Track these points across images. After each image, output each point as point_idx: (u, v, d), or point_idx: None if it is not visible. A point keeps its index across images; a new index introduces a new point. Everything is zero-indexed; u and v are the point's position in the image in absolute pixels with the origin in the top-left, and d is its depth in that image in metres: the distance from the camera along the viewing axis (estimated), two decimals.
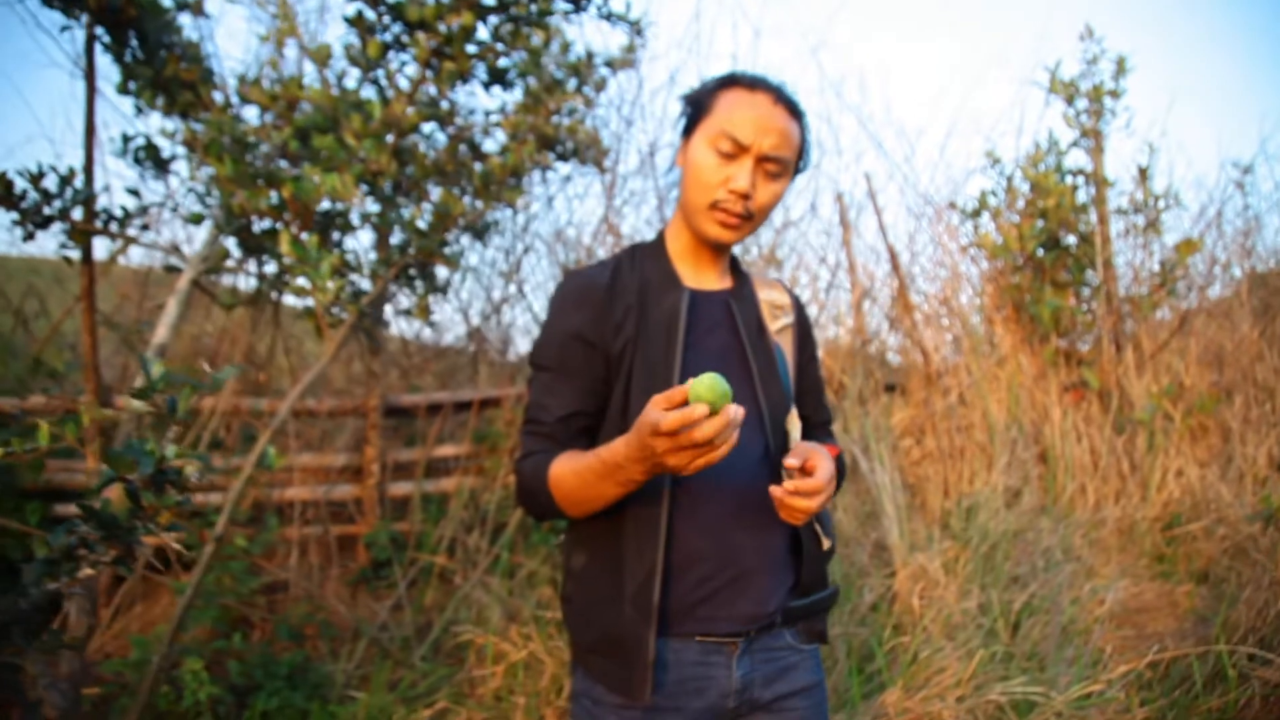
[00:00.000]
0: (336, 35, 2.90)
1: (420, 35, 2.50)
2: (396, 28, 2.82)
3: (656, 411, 0.98)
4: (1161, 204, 4.42)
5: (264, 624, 2.99)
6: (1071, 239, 4.46)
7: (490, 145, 3.36)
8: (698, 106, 1.28)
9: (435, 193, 2.94)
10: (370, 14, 2.79)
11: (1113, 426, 3.99)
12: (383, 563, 3.31)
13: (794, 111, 1.26)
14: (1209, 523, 3.62)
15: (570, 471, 1.17)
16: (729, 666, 1.22)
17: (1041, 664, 2.77)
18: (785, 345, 1.38)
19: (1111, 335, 4.28)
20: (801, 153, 1.30)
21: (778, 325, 1.38)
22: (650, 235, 4.49)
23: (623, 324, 1.25)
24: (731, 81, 1.26)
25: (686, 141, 1.29)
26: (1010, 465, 3.83)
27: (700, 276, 1.35)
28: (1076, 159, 4.54)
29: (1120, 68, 4.38)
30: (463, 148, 3.27)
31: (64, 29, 2.60)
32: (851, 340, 4.46)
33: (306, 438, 3.51)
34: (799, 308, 1.45)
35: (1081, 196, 4.46)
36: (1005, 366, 4.18)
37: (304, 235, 2.51)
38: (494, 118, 3.25)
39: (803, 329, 1.43)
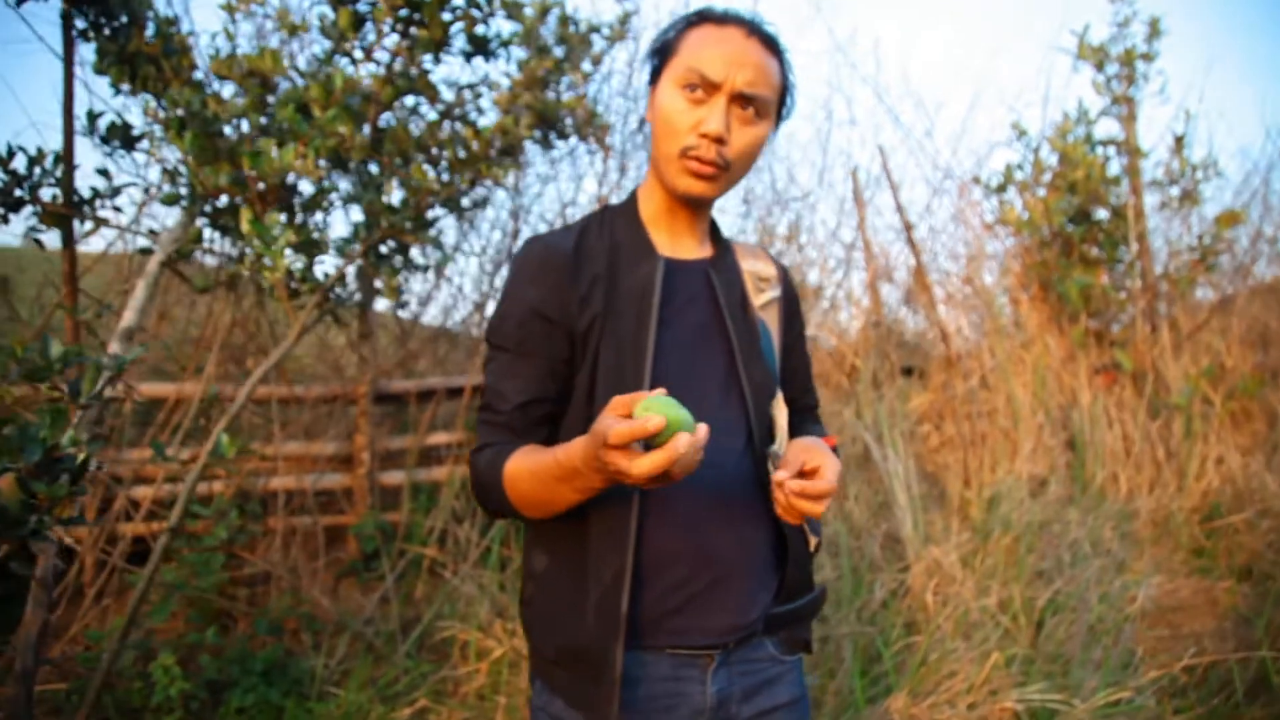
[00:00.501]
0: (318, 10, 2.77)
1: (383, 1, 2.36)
2: None
3: (610, 419, 0.87)
4: (1199, 174, 4.15)
5: (246, 617, 2.89)
6: (1102, 213, 4.21)
7: (486, 122, 3.21)
8: (663, 49, 1.13)
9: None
10: None
11: (1147, 411, 3.75)
12: (373, 555, 3.19)
13: (772, 47, 1.11)
14: (1252, 515, 3.39)
15: (526, 470, 1.03)
16: (703, 681, 1.10)
17: (1065, 667, 2.58)
18: (771, 321, 1.24)
19: (1146, 314, 4.04)
20: (784, 95, 1.14)
21: (763, 299, 1.23)
22: None
23: (589, 297, 1.11)
24: (699, 18, 1.11)
25: (654, 90, 1.14)
26: (1036, 452, 3.62)
27: (676, 243, 1.19)
28: (1107, 128, 4.30)
29: (1154, 30, 4.12)
30: (456, 125, 3.13)
31: (20, 1, 2.50)
32: (866, 321, 4.26)
33: (294, 425, 3.40)
34: (786, 280, 1.30)
35: (1113, 168, 4.21)
36: (1031, 348, 3.95)
37: (274, 213, 2.39)
38: (481, 90, 3.10)
39: (790, 303, 1.29)
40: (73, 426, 1.31)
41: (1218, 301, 4.21)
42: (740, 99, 1.07)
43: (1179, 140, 4.21)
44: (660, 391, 0.89)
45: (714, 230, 1.26)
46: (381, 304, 3.68)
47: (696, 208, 1.18)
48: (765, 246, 1.41)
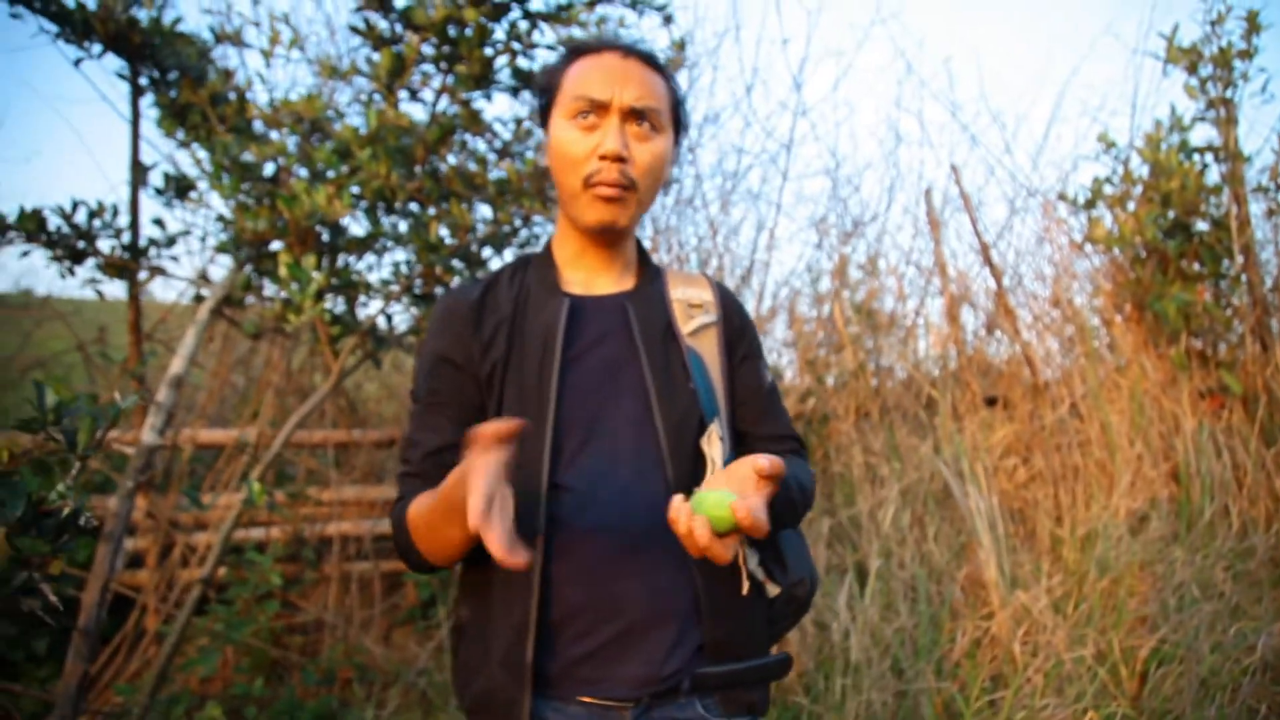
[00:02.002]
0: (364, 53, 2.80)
1: (413, 35, 2.34)
2: (412, 38, 2.68)
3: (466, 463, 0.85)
4: None
5: (299, 667, 2.85)
6: (1202, 225, 3.90)
7: (543, 159, 3.18)
8: (547, 89, 1.14)
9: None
10: (382, 23, 2.66)
11: (1260, 437, 3.41)
12: (429, 602, 3.13)
13: (651, 63, 1.11)
14: None
15: (420, 511, 1.00)
16: None
17: None
18: (706, 348, 1.16)
19: (1255, 331, 3.70)
20: (676, 107, 1.14)
21: (693, 325, 1.16)
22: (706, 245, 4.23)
23: (492, 343, 1.10)
24: (575, 53, 1.13)
25: (546, 133, 1.14)
26: (1135, 486, 3.32)
27: (592, 280, 1.17)
28: (1204, 134, 3.99)
29: (1252, 24, 3.81)
30: (515, 161, 3.10)
31: (78, 61, 2.58)
32: (943, 350, 4.03)
33: (353, 470, 3.38)
34: (727, 304, 1.22)
35: (1212, 176, 3.90)
36: (1127, 373, 3.66)
37: (310, 255, 2.38)
38: (529, 125, 3.07)
39: (731, 327, 1.20)
40: (70, 478, 1.28)
41: None
42: (632, 115, 1.07)
43: None
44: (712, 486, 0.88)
45: (644, 260, 1.22)
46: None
47: (612, 241, 1.15)
48: (707, 272, 1.35)
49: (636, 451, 1.07)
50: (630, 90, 1.07)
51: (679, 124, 1.17)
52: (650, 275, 1.21)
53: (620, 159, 1.06)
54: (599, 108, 1.07)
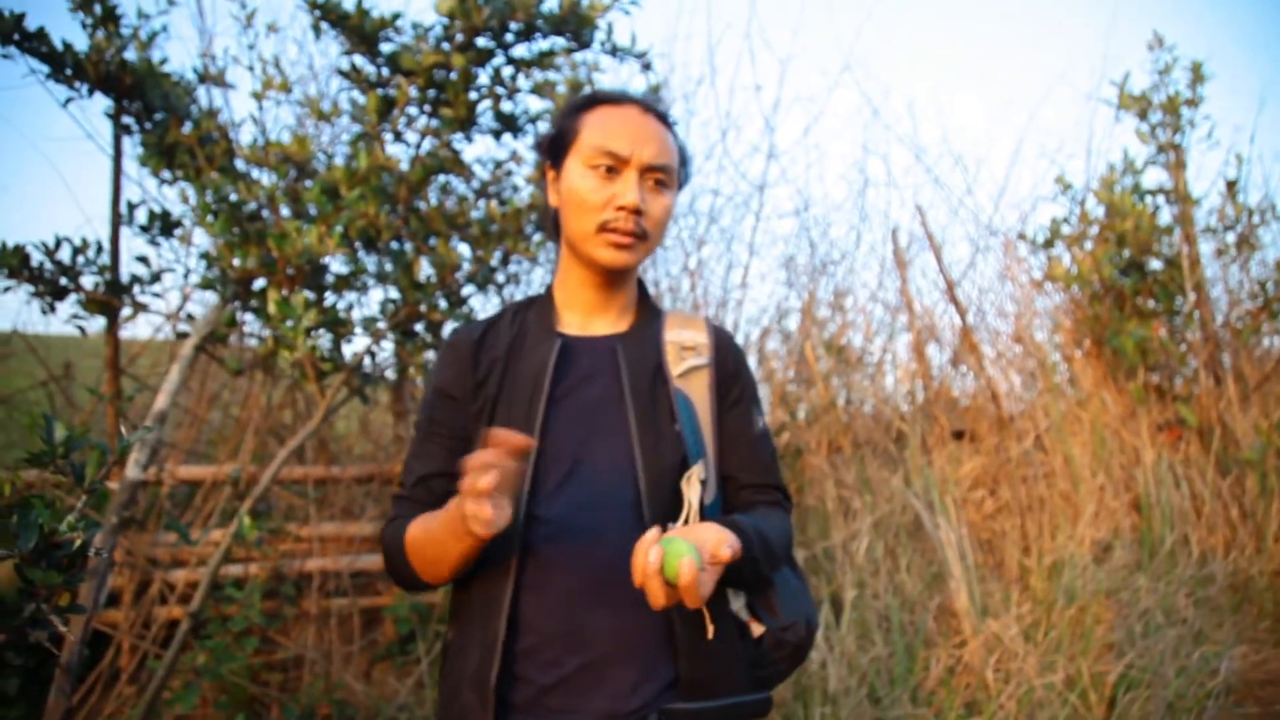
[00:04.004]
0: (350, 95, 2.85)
1: (401, 80, 2.41)
2: (401, 81, 2.75)
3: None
4: (1256, 219, 3.99)
5: (278, 704, 2.83)
6: (1156, 264, 4.06)
7: (523, 197, 3.25)
8: (562, 134, 1.18)
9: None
10: (369, 67, 2.73)
11: (1216, 468, 3.54)
12: (408, 637, 3.13)
13: (665, 121, 1.18)
14: None
15: (421, 529, 1.06)
16: None
17: None
18: (695, 391, 1.19)
19: (1209, 366, 3.85)
20: (682, 164, 1.21)
21: (683, 367, 1.19)
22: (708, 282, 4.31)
23: (486, 380, 1.16)
24: (593, 101, 1.18)
25: (557, 175, 1.19)
26: (1099, 516, 3.43)
27: (589, 322, 1.22)
28: (1155, 177, 4.18)
29: (1196, 74, 4.02)
30: (493, 201, 3.16)
31: (67, 101, 2.61)
32: (911, 385, 4.13)
33: (331, 506, 3.38)
34: (721, 347, 1.25)
35: (1164, 217, 4.08)
36: (1088, 406, 3.78)
37: (299, 293, 2.41)
38: (510, 167, 3.14)
39: (724, 371, 1.23)
40: (74, 511, 1.30)
41: None
42: (648, 171, 1.13)
43: (1231, 185, 4.07)
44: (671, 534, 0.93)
45: (644, 301, 1.27)
46: (420, 381, 3.69)
47: (613, 281, 1.20)
48: (706, 315, 1.39)
49: (615, 490, 1.09)
50: (650, 148, 1.13)
51: (682, 180, 1.23)
52: (649, 317, 1.24)
53: (637, 211, 1.12)
54: (620, 161, 1.12)
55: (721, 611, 1.11)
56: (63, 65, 2.51)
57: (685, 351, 1.20)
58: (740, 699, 1.10)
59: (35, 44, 2.46)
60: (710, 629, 1.04)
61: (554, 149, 1.20)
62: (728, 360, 1.24)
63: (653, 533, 0.92)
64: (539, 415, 1.10)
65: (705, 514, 1.11)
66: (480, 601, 1.09)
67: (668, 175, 1.15)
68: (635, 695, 1.06)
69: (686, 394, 1.17)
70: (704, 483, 1.12)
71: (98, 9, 2.57)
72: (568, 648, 1.06)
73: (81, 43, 2.54)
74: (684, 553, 0.88)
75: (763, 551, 1.08)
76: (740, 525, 1.05)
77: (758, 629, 1.12)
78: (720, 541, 0.93)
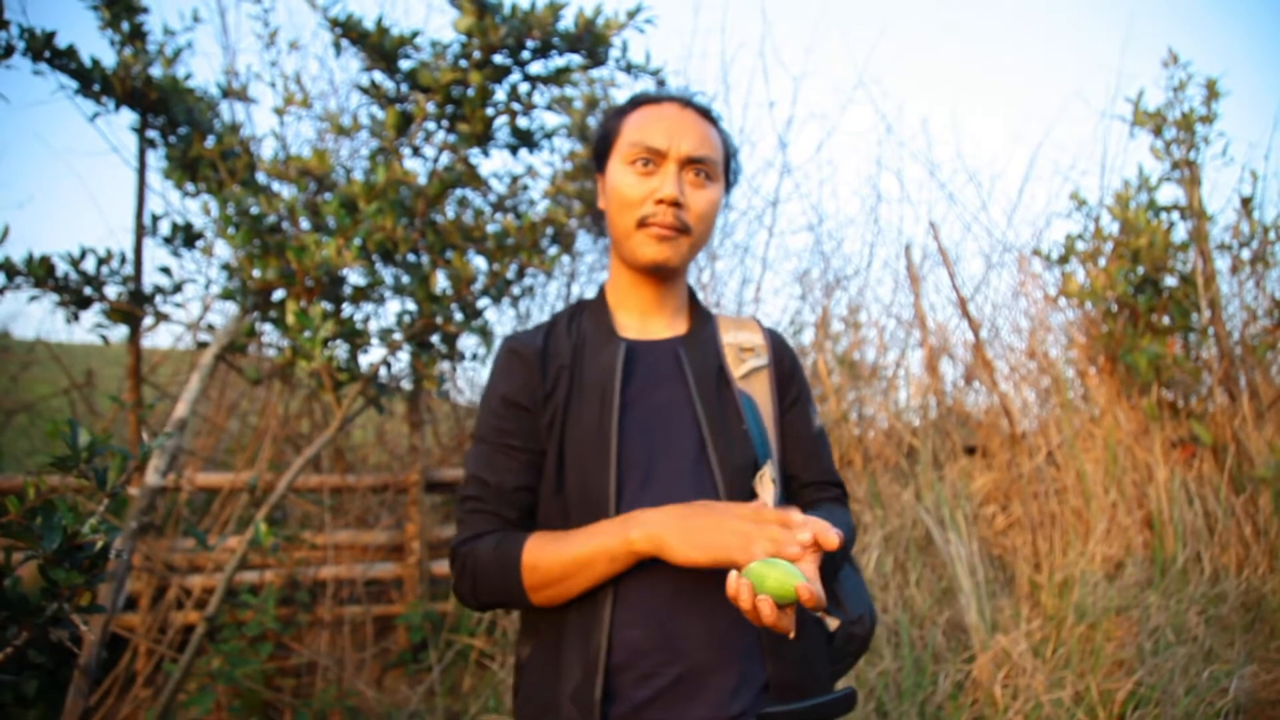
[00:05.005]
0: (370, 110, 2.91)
1: (420, 96, 2.46)
2: (419, 97, 2.80)
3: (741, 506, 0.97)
4: (1271, 235, 3.97)
5: (291, 709, 2.87)
6: (1170, 280, 4.05)
7: (538, 211, 3.29)
8: (605, 137, 1.19)
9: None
10: (388, 83, 2.78)
11: (1230, 485, 3.52)
12: (421, 645, 3.16)
13: (707, 116, 1.17)
14: None
15: (553, 551, 1.03)
16: None
17: None
18: (758, 392, 1.19)
19: (1223, 383, 3.83)
20: (729, 159, 1.19)
21: (744, 369, 1.19)
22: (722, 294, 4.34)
23: (554, 389, 1.14)
24: (634, 103, 1.18)
25: (602, 177, 1.19)
26: (1110, 533, 3.41)
27: (646, 325, 1.21)
28: (1170, 194, 4.17)
29: (1211, 91, 4.01)
30: (510, 215, 3.21)
31: (94, 115, 2.68)
32: (923, 400, 4.14)
33: (346, 514, 3.43)
34: (778, 347, 1.25)
35: (1179, 234, 4.06)
36: (1101, 423, 3.77)
37: (317, 304, 2.46)
38: (526, 182, 3.19)
39: (782, 371, 1.23)
40: (95, 515, 1.34)
41: None
42: (688, 163, 1.12)
43: (1246, 202, 4.06)
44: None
45: (695, 304, 1.26)
46: (436, 393, 3.73)
47: (663, 281, 1.19)
48: (757, 317, 1.39)
49: (695, 492, 1.08)
50: (688, 140, 1.11)
51: (729, 175, 1.22)
52: (702, 319, 1.23)
53: (676, 204, 1.10)
54: (657, 155, 1.11)
55: (804, 611, 1.09)
56: (91, 81, 2.58)
57: (744, 353, 1.20)
58: (830, 697, 1.08)
59: (65, 61, 2.53)
60: (792, 630, 1.02)
61: (599, 153, 1.20)
62: (785, 360, 1.24)
63: (734, 574, 0.88)
64: (613, 419, 1.09)
65: None
66: (576, 619, 1.06)
67: (709, 167, 1.14)
68: (734, 702, 1.03)
69: (750, 395, 1.17)
70: (775, 482, 1.11)
71: (125, 26, 2.65)
72: (663, 659, 1.03)
73: (109, 59, 2.62)
74: (790, 578, 0.86)
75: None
76: None
77: (833, 624, 1.09)
78: (824, 529, 0.92)
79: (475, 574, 1.08)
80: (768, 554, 0.92)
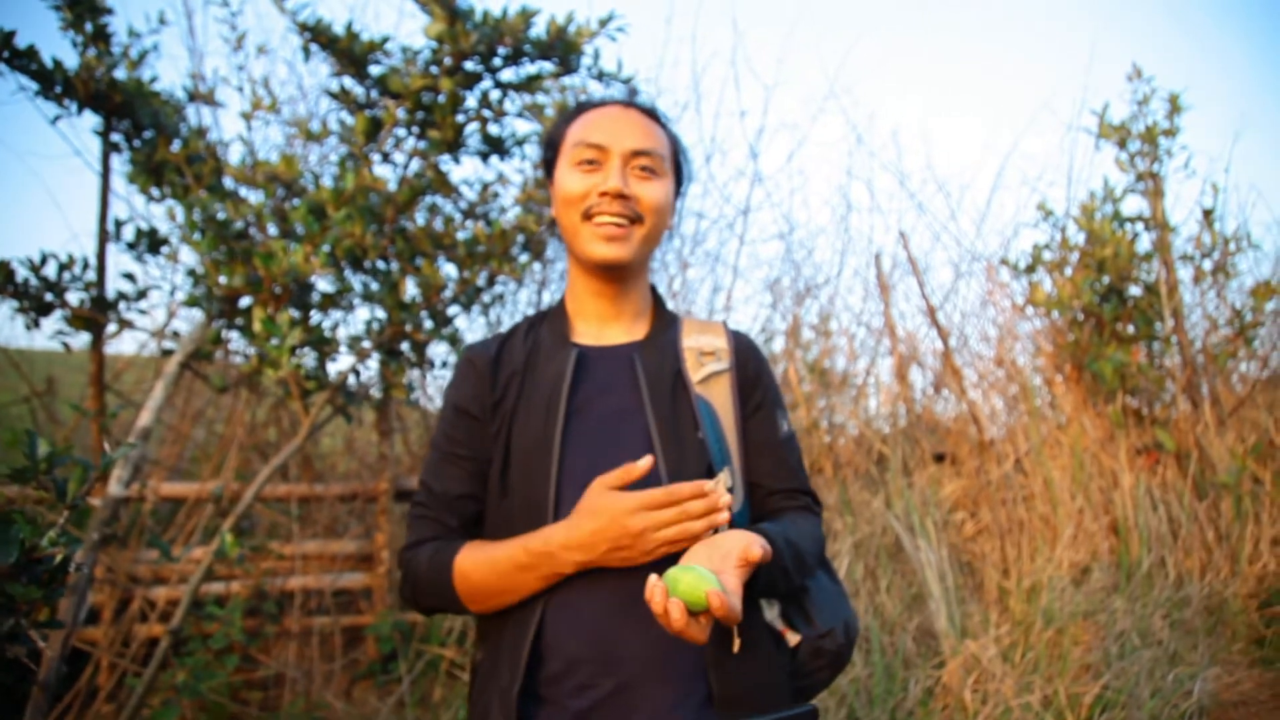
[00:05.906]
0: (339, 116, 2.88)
1: (390, 102, 2.44)
2: (389, 103, 2.78)
3: (625, 495, 0.96)
4: (1232, 247, 4.06)
5: None
6: (1135, 290, 4.12)
7: (509, 218, 3.27)
8: (552, 144, 1.20)
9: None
10: (358, 88, 2.76)
11: (1193, 491, 3.58)
12: (390, 656, 3.12)
13: (652, 115, 1.17)
14: None
15: (484, 561, 1.03)
16: None
17: None
18: (717, 397, 1.15)
19: (1186, 391, 3.90)
20: (677, 156, 1.20)
21: (703, 373, 1.15)
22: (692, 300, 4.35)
23: (504, 396, 1.13)
24: (579, 109, 1.19)
25: (553, 184, 1.19)
26: (1077, 538, 3.46)
27: (603, 331, 1.19)
28: (1134, 205, 4.24)
29: (1174, 106, 4.09)
30: (480, 223, 3.19)
31: (56, 118, 2.63)
32: (893, 408, 4.17)
33: (314, 524, 3.38)
34: (741, 351, 1.22)
35: (1142, 244, 4.14)
36: (1068, 430, 3.82)
37: (285, 311, 2.43)
38: (496, 190, 3.17)
39: (745, 375, 1.20)
40: (55, 527, 1.31)
41: (1262, 376, 4.05)
42: (632, 157, 1.11)
43: (1208, 214, 4.14)
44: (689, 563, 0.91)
45: (660, 308, 1.25)
46: (412, 401, 3.71)
47: (619, 282, 1.17)
48: (725, 321, 1.37)
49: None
50: (630, 136, 1.11)
51: (680, 173, 1.21)
52: (664, 323, 1.21)
53: (621, 196, 1.09)
54: (600, 152, 1.11)
55: (753, 622, 1.06)
56: (52, 83, 2.53)
57: (705, 357, 1.17)
58: (782, 713, 1.03)
59: (25, 61, 2.48)
60: (736, 642, 0.95)
61: (548, 160, 1.20)
62: (748, 364, 1.21)
63: (653, 577, 0.86)
64: (557, 429, 1.07)
65: (734, 521, 1.07)
66: (510, 626, 1.05)
67: (654, 161, 1.13)
68: (672, 715, 1.00)
69: (708, 400, 1.14)
70: (731, 490, 1.08)
71: (88, 27, 2.60)
72: (600, 670, 1.01)
73: (71, 61, 2.57)
74: (702, 583, 0.83)
75: (793, 559, 1.04)
76: (768, 534, 1.01)
77: (793, 638, 1.07)
78: (749, 543, 0.90)
79: (415, 580, 1.09)
80: (665, 541, 0.94)
